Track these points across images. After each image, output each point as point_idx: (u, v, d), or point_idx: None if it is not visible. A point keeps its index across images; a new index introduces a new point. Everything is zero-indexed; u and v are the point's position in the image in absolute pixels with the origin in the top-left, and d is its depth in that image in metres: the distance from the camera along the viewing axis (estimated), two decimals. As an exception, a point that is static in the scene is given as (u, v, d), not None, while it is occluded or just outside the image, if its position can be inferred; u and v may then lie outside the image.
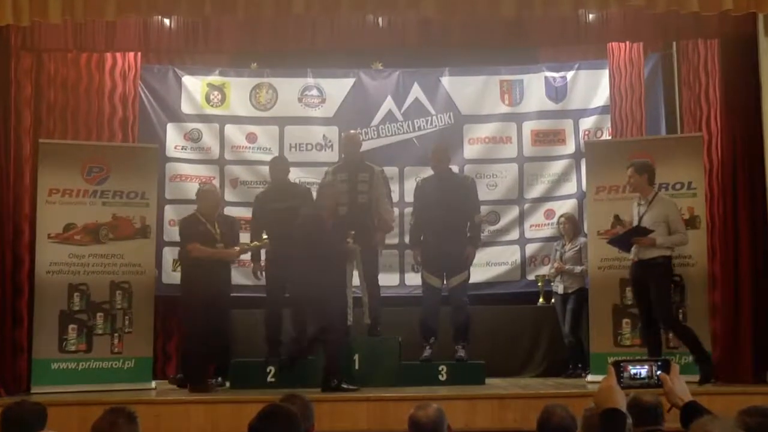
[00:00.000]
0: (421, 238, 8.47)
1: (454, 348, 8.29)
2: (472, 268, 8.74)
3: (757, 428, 2.96)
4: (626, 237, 7.76)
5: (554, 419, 3.94)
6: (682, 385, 3.10)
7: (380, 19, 8.39)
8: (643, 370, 3.00)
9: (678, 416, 3.11)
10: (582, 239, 9.19)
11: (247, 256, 8.73)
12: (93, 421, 3.69)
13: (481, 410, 6.94)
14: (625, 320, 8.24)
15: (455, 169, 9.57)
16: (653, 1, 7.17)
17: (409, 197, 9.74)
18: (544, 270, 9.78)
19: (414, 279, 9.53)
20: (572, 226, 9.33)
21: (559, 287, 9.23)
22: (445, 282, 8.38)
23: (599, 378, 7.65)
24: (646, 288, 7.68)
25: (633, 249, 7.74)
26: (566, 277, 9.16)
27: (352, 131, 9.20)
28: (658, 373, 3.03)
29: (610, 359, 7.70)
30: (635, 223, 7.75)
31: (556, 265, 9.23)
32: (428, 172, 8.91)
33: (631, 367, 2.99)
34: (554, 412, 3.99)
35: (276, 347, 8.19)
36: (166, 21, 8.40)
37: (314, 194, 8.43)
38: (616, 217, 7.92)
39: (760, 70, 7.93)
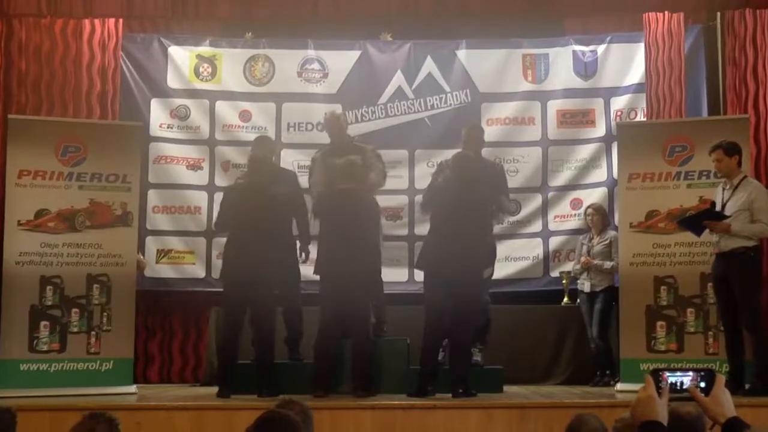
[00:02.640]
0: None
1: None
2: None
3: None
4: (698, 218, 7.64)
5: (585, 430, 3.91)
6: (726, 399, 3.05)
7: (390, -15, 8.37)
8: (685, 380, 2.95)
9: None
10: (612, 232, 9.15)
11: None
12: (66, 428, 3.66)
13: (498, 421, 6.89)
14: (659, 323, 8.20)
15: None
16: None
17: (420, 183, 9.74)
18: (570, 266, 9.74)
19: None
20: (601, 217, 9.29)
21: (585, 285, 9.19)
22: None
23: (630, 387, 7.70)
24: (729, 285, 7.57)
25: (714, 238, 7.63)
26: (594, 274, 9.12)
27: (336, 111, 9.11)
28: (686, 386, 2.98)
29: (643, 365, 7.80)
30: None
31: (582, 260, 9.19)
32: (442, 156, 8.88)
33: (670, 376, 2.94)
34: (586, 421, 3.96)
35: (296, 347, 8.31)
36: (152, -16, 8.39)
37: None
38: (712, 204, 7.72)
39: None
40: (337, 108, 9.49)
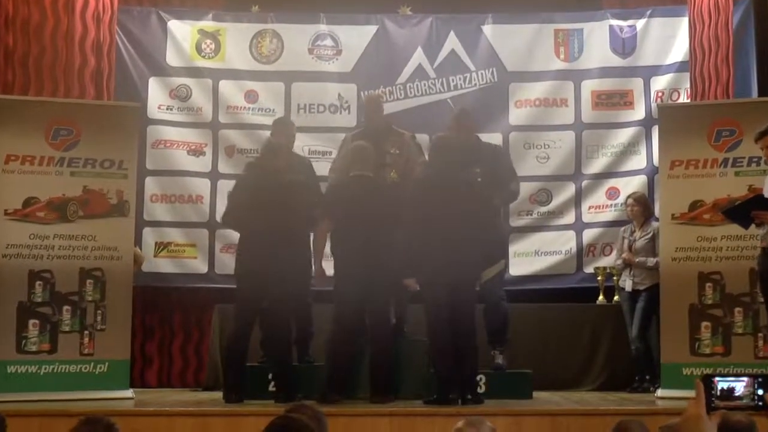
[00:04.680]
0: None
1: (490, 354, 8.27)
2: (516, 258, 8.69)
3: None
4: (745, 208, 7.55)
5: None
6: None
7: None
8: (737, 386, 2.92)
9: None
10: (655, 224, 9.08)
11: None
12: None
13: (528, 429, 6.87)
14: (704, 323, 8.15)
15: (497, 138, 9.51)
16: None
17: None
18: (605, 261, 9.73)
19: (446, 270, 9.50)
20: (642, 208, 9.23)
21: (627, 283, 9.13)
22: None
23: (672, 393, 7.68)
24: None
25: (761, 231, 7.56)
26: (637, 271, 9.06)
27: (373, 91, 9.16)
28: (738, 393, 2.94)
29: (686, 370, 7.77)
30: None
31: (624, 255, 9.13)
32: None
33: (721, 382, 2.91)
34: (630, 428, 3.95)
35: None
36: (149, -48, 8.40)
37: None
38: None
39: None
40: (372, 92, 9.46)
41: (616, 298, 9.49)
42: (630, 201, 9.33)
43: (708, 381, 2.87)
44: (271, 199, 7.74)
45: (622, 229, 9.41)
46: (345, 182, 7.95)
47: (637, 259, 9.01)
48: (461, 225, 7.42)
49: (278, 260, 7.61)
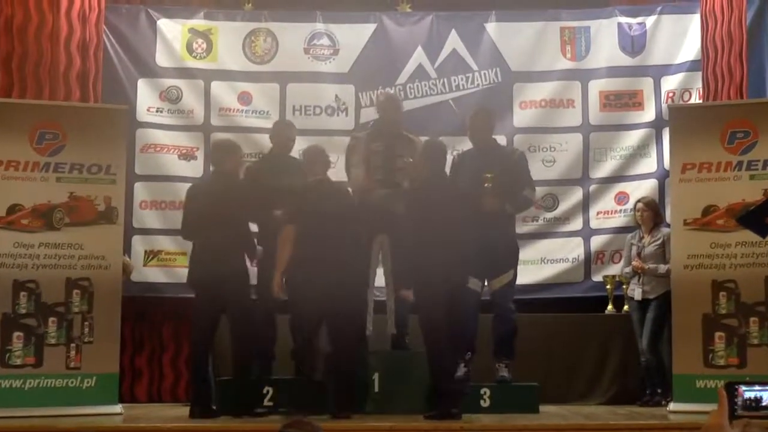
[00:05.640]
0: None
1: (495, 366, 8.27)
2: (521, 266, 8.67)
3: None
4: (761, 214, 7.53)
5: None
6: None
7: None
8: (764, 395, 2.90)
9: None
10: (665, 230, 9.09)
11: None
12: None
13: (534, 445, 6.90)
14: (718, 334, 8.15)
15: (501, 140, 9.50)
16: None
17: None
18: (614, 269, 9.72)
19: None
20: (652, 213, 9.23)
21: (636, 292, 9.13)
22: (486, 284, 8.33)
23: (684, 407, 7.68)
24: None
25: None
26: (647, 279, 9.06)
27: (391, 92, 9.16)
28: (765, 403, 2.93)
29: (700, 382, 7.77)
30: None
31: (634, 263, 9.12)
32: (468, 144, 8.86)
33: (746, 390, 2.90)
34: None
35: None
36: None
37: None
38: None
39: None
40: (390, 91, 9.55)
41: (625, 307, 9.48)
42: (639, 206, 9.32)
43: (731, 389, 2.86)
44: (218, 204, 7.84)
45: (630, 236, 9.41)
46: (307, 187, 7.94)
47: (647, 266, 9.01)
48: (452, 231, 7.44)
49: (228, 269, 7.67)
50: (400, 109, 8.82)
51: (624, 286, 9.44)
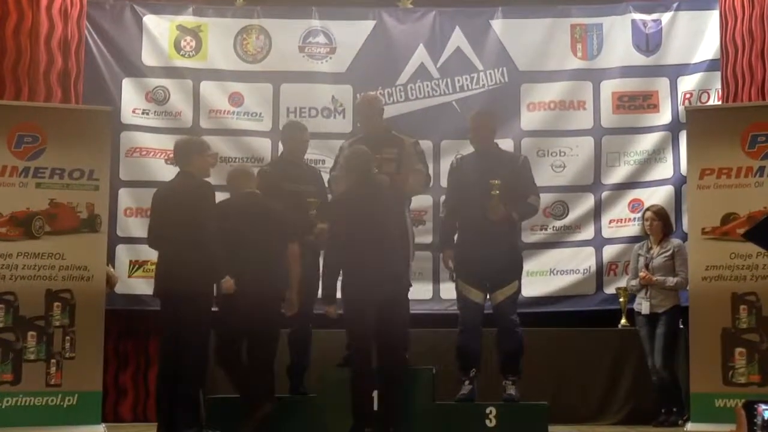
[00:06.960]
0: (456, 236, 8.38)
1: (502, 384, 8.25)
2: (529, 278, 8.67)
3: None
4: (765, 227, 7.50)
5: None
6: None
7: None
8: None
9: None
10: (675, 241, 9.11)
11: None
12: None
13: (543, 468, 6.90)
14: (738, 350, 8.16)
15: (508, 144, 9.50)
16: None
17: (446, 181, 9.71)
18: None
19: (451, 291, 9.40)
20: (662, 223, 9.23)
21: (643, 305, 9.13)
22: (488, 296, 8.31)
23: (703, 427, 7.67)
24: None
25: None
26: (654, 292, 9.06)
27: (370, 93, 9.12)
28: None
29: (719, 401, 7.76)
30: None
31: (642, 274, 9.13)
32: (470, 148, 8.85)
33: (765, 409, 2.90)
34: None
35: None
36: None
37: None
38: None
39: None
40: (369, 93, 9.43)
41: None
42: (649, 215, 9.30)
43: (751, 408, 2.87)
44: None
45: (637, 246, 9.42)
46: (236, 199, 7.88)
47: (655, 278, 9.00)
48: (383, 239, 7.45)
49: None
50: (380, 111, 8.64)
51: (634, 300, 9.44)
